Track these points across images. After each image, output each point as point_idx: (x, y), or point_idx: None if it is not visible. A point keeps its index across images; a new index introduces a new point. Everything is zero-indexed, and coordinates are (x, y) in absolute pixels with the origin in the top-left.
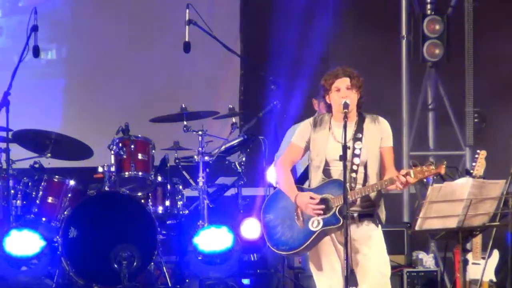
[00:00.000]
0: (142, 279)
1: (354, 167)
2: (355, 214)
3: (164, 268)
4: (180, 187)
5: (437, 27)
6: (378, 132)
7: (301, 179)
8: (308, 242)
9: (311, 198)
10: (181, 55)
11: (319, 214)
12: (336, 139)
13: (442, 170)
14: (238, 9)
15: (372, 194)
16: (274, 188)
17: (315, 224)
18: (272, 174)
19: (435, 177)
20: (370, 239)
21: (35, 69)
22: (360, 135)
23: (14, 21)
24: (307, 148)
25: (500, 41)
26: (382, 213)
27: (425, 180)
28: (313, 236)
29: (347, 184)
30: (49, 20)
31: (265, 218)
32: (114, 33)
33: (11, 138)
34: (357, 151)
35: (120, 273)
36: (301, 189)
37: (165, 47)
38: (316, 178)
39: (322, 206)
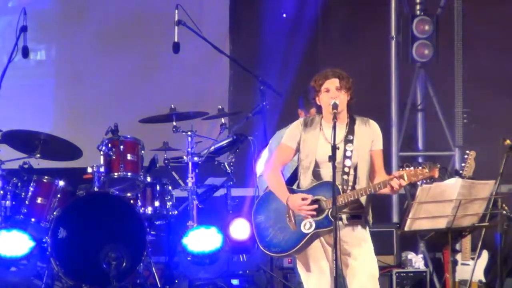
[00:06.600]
0: (131, 279)
1: (346, 169)
2: (344, 216)
3: (153, 268)
4: (170, 187)
5: (427, 27)
6: (369, 135)
7: (289, 182)
8: (300, 244)
9: (303, 199)
10: (171, 56)
11: (312, 215)
12: (327, 140)
13: (436, 174)
14: (227, 10)
15: (362, 197)
16: (261, 188)
17: (307, 226)
18: (261, 168)
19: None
20: (359, 241)
21: (24, 70)
22: (351, 137)
23: (3, 22)
24: (297, 149)
25: (490, 42)
26: (370, 216)
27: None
28: (306, 238)
29: (340, 187)
30: (38, 20)
31: (256, 219)
32: (103, 33)
33: (0, 139)
34: (348, 153)
35: (109, 274)
36: (291, 191)
37: (154, 48)
38: (305, 180)
39: (315, 206)
